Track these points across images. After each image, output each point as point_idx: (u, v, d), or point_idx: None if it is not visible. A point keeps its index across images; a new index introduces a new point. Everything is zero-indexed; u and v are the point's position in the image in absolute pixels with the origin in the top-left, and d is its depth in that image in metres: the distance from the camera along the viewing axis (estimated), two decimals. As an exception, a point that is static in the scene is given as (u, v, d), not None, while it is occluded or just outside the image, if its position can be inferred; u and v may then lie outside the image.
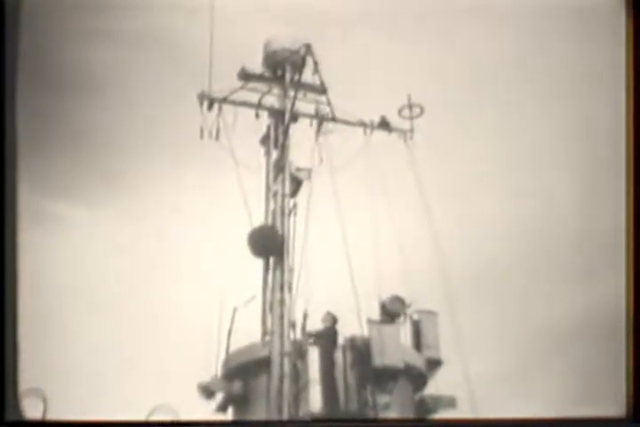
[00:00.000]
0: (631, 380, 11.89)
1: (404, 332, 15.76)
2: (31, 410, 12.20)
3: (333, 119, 17.87)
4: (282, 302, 15.97)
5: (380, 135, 18.00)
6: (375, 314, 15.76)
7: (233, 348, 15.92)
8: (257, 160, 17.60)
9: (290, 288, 16.13)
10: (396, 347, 15.20)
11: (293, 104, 17.55)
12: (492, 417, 12.55)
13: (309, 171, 17.24)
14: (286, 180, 17.17)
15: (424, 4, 16.47)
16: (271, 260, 16.52)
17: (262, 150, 17.82)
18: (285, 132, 17.51)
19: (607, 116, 13.51)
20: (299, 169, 17.28)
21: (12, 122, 11.87)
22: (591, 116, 17.37)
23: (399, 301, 15.92)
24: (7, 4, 11.98)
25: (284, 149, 17.43)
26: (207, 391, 15.39)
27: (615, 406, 11.93)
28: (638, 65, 12.40)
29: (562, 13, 15.64)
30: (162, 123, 19.63)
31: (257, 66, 18.18)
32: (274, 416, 14.73)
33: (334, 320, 15.49)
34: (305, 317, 15.62)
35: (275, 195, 17.17)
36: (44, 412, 12.72)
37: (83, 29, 16.92)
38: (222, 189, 16.70)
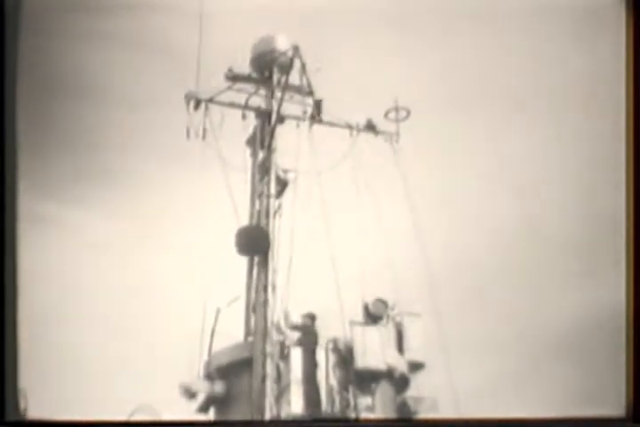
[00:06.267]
0: (631, 380, 11.91)
1: (387, 334, 15.81)
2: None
3: (320, 121, 17.91)
4: (265, 302, 15.98)
5: (366, 137, 18.05)
6: (358, 316, 15.81)
7: (215, 348, 15.92)
8: (243, 161, 17.65)
9: (274, 289, 16.15)
10: (378, 349, 15.26)
11: (280, 105, 17.58)
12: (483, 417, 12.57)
13: (295, 172, 17.28)
14: (272, 181, 17.19)
15: (413, 5, 16.49)
16: (255, 260, 16.55)
17: (248, 151, 17.84)
18: (272, 134, 17.54)
19: (607, 116, 13.52)
20: (284, 170, 17.31)
21: (11, 123, 11.89)
22: (590, 117, 17.36)
23: (382, 303, 16.00)
24: (7, 4, 12.02)
25: (270, 150, 17.45)
26: (189, 392, 15.40)
27: (615, 406, 11.97)
28: (638, 65, 12.43)
29: (561, 14, 15.65)
30: (148, 122, 19.61)
31: (244, 67, 18.20)
32: (255, 417, 14.75)
33: (313, 319, 15.56)
34: (286, 316, 15.65)
35: (260, 196, 17.19)
36: (25, 410, 12.69)
37: (77, 31, 16.93)
38: (208, 190, 16.71)
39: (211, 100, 17.63)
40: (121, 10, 16.37)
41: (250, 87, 18.13)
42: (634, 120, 12.43)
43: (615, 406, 11.99)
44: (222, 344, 15.90)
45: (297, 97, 18.03)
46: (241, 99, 17.94)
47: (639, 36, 12.48)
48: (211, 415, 15.62)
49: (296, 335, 15.36)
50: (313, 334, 15.33)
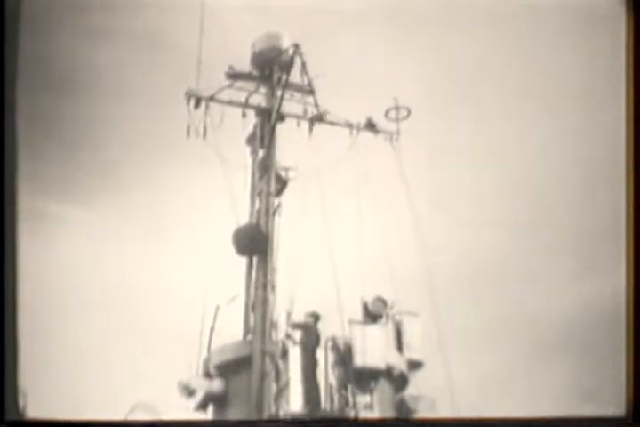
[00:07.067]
0: (631, 380, 11.92)
1: (386, 333, 15.83)
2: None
3: (320, 120, 17.91)
4: (265, 301, 16.01)
5: (366, 136, 18.06)
6: (357, 315, 15.83)
7: (215, 346, 15.94)
8: (243, 159, 17.67)
9: (273, 287, 16.18)
10: (377, 348, 15.29)
11: (280, 104, 17.57)
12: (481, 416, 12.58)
13: (295, 171, 17.30)
14: (272, 179, 17.21)
15: (413, 5, 16.49)
16: (255, 259, 16.56)
17: (248, 149, 17.86)
18: (272, 132, 17.55)
19: (606, 116, 13.52)
20: (284, 169, 17.33)
21: (11, 122, 11.92)
22: (590, 117, 17.35)
23: (382, 302, 16.02)
24: (7, 4, 12.04)
25: (270, 148, 17.47)
26: (187, 390, 15.42)
27: (615, 406, 11.99)
28: (638, 65, 12.44)
29: (561, 13, 15.64)
30: (148, 121, 19.63)
31: (245, 65, 18.21)
32: (254, 416, 14.77)
33: (316, 319, 15.57)
34: (288, 316, 15.67)
35: (260, 194, 17.22)
36: (24, 409, 12.71)
37: (77, 30, 16.94)
38: (208, 188, 16.72)
39: (211, 99, 17.63)
40: (121, 8, 16.37)
41: (250, 85, 18.15)
42: (634, 120, 12.45)
43: (615, 405, 12.01)
44: (221, 342, 15.92)
45: (297, 95, 18.04)
46: (241, 97, 17.98)
47: (639, 36, 12.50)
48: (209, 413, 15.62)
49: (297, 334, 15.37)
50: (314, 334, 15.33)
